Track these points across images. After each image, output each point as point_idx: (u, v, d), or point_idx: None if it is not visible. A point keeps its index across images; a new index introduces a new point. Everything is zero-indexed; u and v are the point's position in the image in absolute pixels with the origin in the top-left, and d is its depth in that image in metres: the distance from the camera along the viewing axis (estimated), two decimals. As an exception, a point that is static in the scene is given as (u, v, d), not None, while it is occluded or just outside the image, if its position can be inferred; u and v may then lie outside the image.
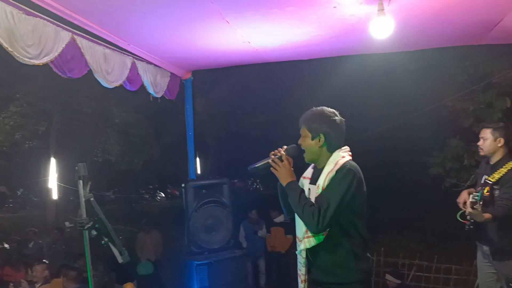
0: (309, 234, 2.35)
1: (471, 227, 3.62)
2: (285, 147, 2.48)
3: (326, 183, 2.33)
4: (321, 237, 2.32)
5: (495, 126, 3.71)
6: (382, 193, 8.16)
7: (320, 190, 2.33)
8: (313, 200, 2.35)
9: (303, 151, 2.49)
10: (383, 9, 3.09)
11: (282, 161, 2.42)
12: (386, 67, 6.15)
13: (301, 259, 2.48)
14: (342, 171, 2.31)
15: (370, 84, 7.21)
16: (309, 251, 2.42)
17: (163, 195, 22.87)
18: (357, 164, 2.39)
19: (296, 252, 2.52)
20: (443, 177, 7.42)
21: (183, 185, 4.85)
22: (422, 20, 3.61)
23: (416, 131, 7.55)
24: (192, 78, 5.29)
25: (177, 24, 3.50)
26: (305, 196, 2.38)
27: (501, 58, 6.40)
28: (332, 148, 2.42)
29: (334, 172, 2.32)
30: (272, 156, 2.46)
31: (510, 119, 6.89)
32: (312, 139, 2.43)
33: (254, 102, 8.97)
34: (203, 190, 4.82)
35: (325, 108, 2.47)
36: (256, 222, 7.47)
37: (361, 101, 7.65)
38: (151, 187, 22.35)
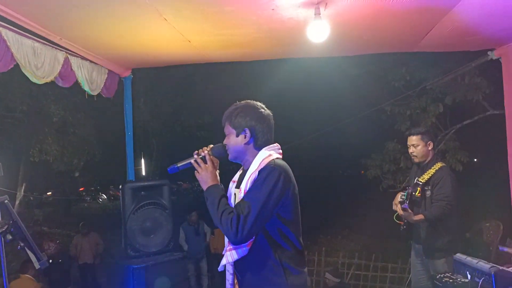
0: (231, 246, 2.06)
1: (405, 227, 3.79)
2: (211, 146, 2.22)
3: (248, 186, 2.05)
4: (245, 249, 2.03)
5: (422, 131, 3.88)
6: (323, 194, 8.37)
7: (242, 195, 2.05)
8: None
9: None
10: (319, 14, 3.14)
11: (205, 162, 2.15)
12: (327, 71, 6.30)
13: (228, 276, 2.18)
14: (266, 171, 2.02)
15: (311, 88, 7.36)
16: (236, 266, 2.14)
17: (105, 197, 22.10)
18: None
19: (218, 268, 2.22)
20: (381, 179, 7.72)
21: (120, 186, 4.69)
22: (358, 26, 3.71)
23: (356, 134, 7.81)
24: (132, 76, 5.13)
25: (112, 19, 3.37)
26: (225, 202, 2.06)
27: (434, 65, 6.78)
28: (259, 144, 2.15)
29: (257, 173, 2.04)
30: (195, 156, 2.18)
31: (442, 123, 7.31)
32: (237, 135, 2.15)
33: (199, 102, 8.87)
34: (142, 192, 4.68)
35: (249, 101, 2.22)
36: (196, 224, 7.41)
37: (302, 104, 7.81)
38: (92, 188, 21.52)
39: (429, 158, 3.84)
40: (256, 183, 2.02)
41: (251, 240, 2.01)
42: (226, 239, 2.16)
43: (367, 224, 8.00)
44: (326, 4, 3.11)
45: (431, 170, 3.75)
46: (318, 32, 3.21)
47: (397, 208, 3.71)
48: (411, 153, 3.88)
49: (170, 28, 3.55)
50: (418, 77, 7.00)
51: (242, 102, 2.21)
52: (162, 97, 9.11)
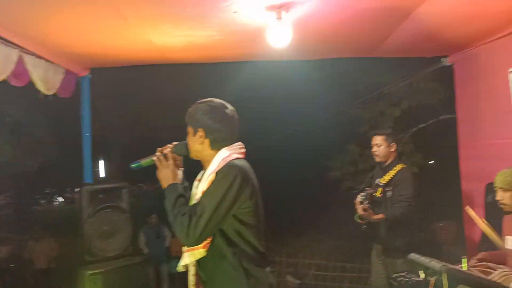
0: (189, 247, 2.02)
1: (365, 227, 3.87)
2: (175, 143, 2.18)
3: (206, 187, 2.00)
4: (202, 250, 1.99)
5: (387, 132, 3.99)
6: (285, 195, 8.44)
7: (199, 196, 2.02)
8: None
9: None
10: (281, 18, 3.17)
11: (167, 159, 2.11)
12: (289, 75, 6.38)
13: (190, 277, 2.13)
14: (222, 172, 1.97)
15: (274, 91, 7.43)
16: (198, 267, 2.09)
17: (62, 200, 21.34)
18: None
19: (177, 269, 2.15)
20: (341, 180, 7.88)
21: (77, 189, 4.54)
22: (319, 31, 3.78)
23: (318, 136, 7.94)
24: (91, 75, 5.00)
25: (69, 17, 3.26)
26: (182, 202, 2.02)
27: (392, 70, 6.99)
28: (217, 145, 2.09)
29: (214, 174, 1.99)
30: (158, 153, 2.14)
31: (399, 126, 7.55)
32: (194, 134, 2.11)
33: (162, 103, 8.72)
34: (100, 195, 4.55)
35: (213, 99, 2.16)
36: (157, 226, 7.29)
37: (265, 107, 7.86)
38: (47, 191, 20.72)
39: (390, 160, 3.93)
40: (212, 185, 1.98)
41: (207, 241, 1.98)
42: None
43: (328, 225, 8.14)
44: (288, 8, 3.14)
45: (392, 171, 3.85)
46: (279, 36, 3.25)
47: (358, 208, 3.79)
48: (374, 152, 3.97)
49: (130, 28, 3.49)
50: (376, 82, 7.18)
51: (205, 100, 2.16)
52: (123, 98, 8.92)
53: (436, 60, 5.19)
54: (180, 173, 2.19)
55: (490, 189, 4.22)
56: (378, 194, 3.85)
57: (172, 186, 2.07)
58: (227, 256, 1.99)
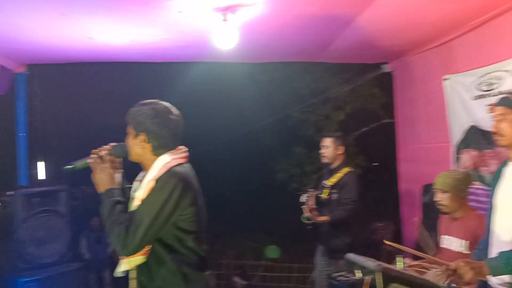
0: None
1: (311, 227, 3.94)
2: (112, 144, 2.08)
3: (145, 195, 1.91)
4: (140, 257, 1.93)
5: (335, 135, 4.09)
6: (232, 197, 8.43)
7: (138, 203, 1.92)
8: None
9: None
10: (227, 20, 3.17)
11: (104, 162, 2.01)
12: (236, 77, 6.37)
13: (130, 281, 2.03)
14: (162, 180, 1.90)
15: (220, 93, 7.38)
16: (138, 271, 2.00)
17: (-3, 204, 20.03)
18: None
19: (114, 275, 2.06)
20: (287, 182, 7.98)
21: (10, 192, 4.28)
22: (265, 34, 3.82)
23: (265, 139, 7.98)
24: (28, 72, 4.74)
25: (3, 10, 3.07)
26: (120, 209, 1.94)
27: (337, 75, 7.19)
28: (158, 149, 2.01)
29: (154, 181, 1.91)
30: (93, 155, 2.03)
31: (344, 130, 7.77)
32: (135, 137, 2.01)
33: (106, 103, 8.38)
34: (36, 198, 4.33)
35: (157, 101, 2.06)
36: (99, 230, 7.01)
37: (211, 109, 7.79)
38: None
39: (338, 162, 4.02)
40: (151, 193, 1.90)
41: (147, 248, 1.92)
42: None
43: (275, 226, 8.21)
44: (234, 11, 3.15)
45: (339, 174, 3.95)
46: (225, 38, 3.24)
47: (305, 209, 3.85)
48: (322, 153, 4.06)
49: (69, 24, 3.34)
50: (322, 86, 7.36)
51: (148, 101, 2.06)
52: (64, 96, 8.51)
53: (377, 66, 5.42)
54: (118, 176, 2.09)
55: (426, 190, 4.45)
56: (324, 195, 3.94)
57: (108, 192, 1.97)
58: (166, 262, 1.94)
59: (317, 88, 7.41)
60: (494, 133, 2.14)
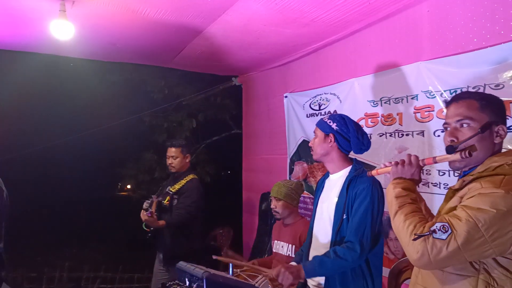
0: None
1: (150, 235, 3.82)
2: None
3: None
4: None
5: (182, 144, 4.03)
6: (71, 203, 7.77)
7: None
8: None
9: None
10: (65, 11, 2.92)
11: None
12: (83, 74, 5.92)
13: None
14: None
15: (63, 88, 6.77)
16: None
17: None
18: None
19: None
20: (135, 189, 7.69)
21: None
22: (109, 32, 3.61)
23: (113, 142, 7.58)
24: None
25: None
26: None
27: (191, 83, 7.24)
28: None
29: None
30: None
31: (195, 137, 7.85)
32: None
33: None
34: None
35: None
36: None
37: (54, 105, 7.08)
38: None
39: (183, 169, 4.01)
40: None
41: None
42: None
43: (118, 235, 7.82)
44: (73, 2, 2.91)
45: (182, 180, 3.92)
46: (62, 30, 2.98)
47: (142, 214, 3.73)
48: (169, 164, 3.97)
49: None
50: (176, 92, 7.32)
51: None
52: None
53: (229, 79, 5.62)
54: None
55: (263, 198, 4.74)
56: (166, 201, 3.88)
57: None
58: None
59: (171, 94, 7.34)
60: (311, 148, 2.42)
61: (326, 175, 2.53)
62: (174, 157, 3.97)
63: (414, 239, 1.41)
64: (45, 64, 5.29)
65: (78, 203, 7.88)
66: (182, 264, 2.44)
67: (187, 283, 2.28)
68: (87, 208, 7.99)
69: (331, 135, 2.34)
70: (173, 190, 3.91)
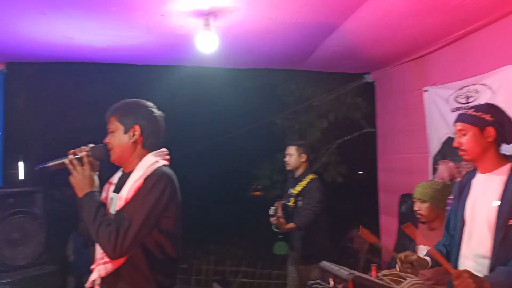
0: (107, 258, 1.85)
1: (281, 236, 3.96)
2: (91, 145, 1.98)
3: (131, 194, 1.84)
4: (121, 261, 1.86)
5: (299, 143, 4.13)
6: (213, 203, 8.39)
7: (122, 203, 1.85)
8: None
9: None
10: (209, 25, 3.17)
11: (83, 164, 1.90)
12: (220, 82, 6.37)
13: None
14: (152, 180, 1.83)
15: (203, 97, 7.35)
16: (104, 279, 1.91)
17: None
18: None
19: (86, 285, 1.97)
20: (270, 188, 7.98)
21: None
22: (248, 40, 3.82)
23: (248, 145, 7.97)
24: (6, 71, 4.66)
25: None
26: (104, 212, 1.85)
27: (320, 84, 7.24)
28: (147, 146, 1.97)
29: (141, 181, 1.84)
30: (70, 156, 1.92)
31: (326, 138, 7.83)
32: (125, 132, 1.94)
33: (85, 104, 8.28)
34: (10, 199, 4.23)
35: (140, 99, 2.04)
36: (86, 235, 6.86)
37: (194, 113, 7.75)
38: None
39: (302, 170, 4.06)
40: (139, 193, 1.83)
41: None
42: (98, 251, 1.93)
43: (255, 233, 8.18)
44: (216, 16, 3.15)
45: (303, 181, 3.98)
46: (207, 43, 3.24)
47: (271, 219, 3.87)
48: (286, 160, 4.10)
49: (49, 23, 3.30)
50: (306, 94, 7.40)
51: (132, 99, 2.04)
52: (44, 95, 8.38)
53: (360, 76, 5.48)
54: (97, 178, 2.01)
55: (403, 199, 4.50)
56: (291, 203, 3.96)
57: (90, 195, 1.87)
58: (141, 267, 1.87)
59: (301, 96, 7.45)
60: (458, 148, 2.18)
61: (471, 174, 2.28)
62: (290, 154, 4.06)
63: None
64: (187, 75, 5.82)
65: (217, 202, 8.48)
66: (325, 263, 2.45)
67: (331, 283, 2.28)
68: (227, 207, 8.55)
69: (489, 128, 2.10)
70: (295, 192, 3.97)
